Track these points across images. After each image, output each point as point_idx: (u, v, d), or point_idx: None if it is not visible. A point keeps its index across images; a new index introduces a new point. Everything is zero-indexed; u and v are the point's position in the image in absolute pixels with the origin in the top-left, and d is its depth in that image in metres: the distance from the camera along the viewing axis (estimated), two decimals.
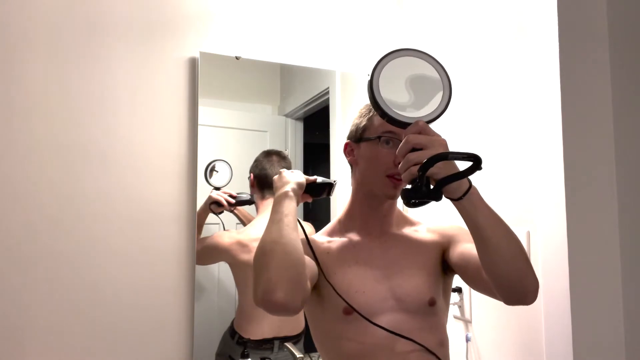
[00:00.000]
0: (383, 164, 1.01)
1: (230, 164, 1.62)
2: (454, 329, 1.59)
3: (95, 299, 1.41)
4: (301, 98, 1.76)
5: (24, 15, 1.39)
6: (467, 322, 1.56)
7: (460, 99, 1.63)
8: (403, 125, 0.81)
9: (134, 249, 1.46)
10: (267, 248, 0.89)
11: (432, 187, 0.77)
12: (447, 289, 1.11)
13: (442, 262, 1.07)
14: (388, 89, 0.81)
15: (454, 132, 1.65)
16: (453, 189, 0.79)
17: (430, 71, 0.84)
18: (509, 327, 1.40)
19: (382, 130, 1.02)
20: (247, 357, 1.54)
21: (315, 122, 1.77)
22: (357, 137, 1.07)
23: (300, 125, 1.76)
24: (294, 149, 1.73)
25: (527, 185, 1.34)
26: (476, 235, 0.83)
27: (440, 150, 0.76)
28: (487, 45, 1.53)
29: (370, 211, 1.08)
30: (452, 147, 1.60)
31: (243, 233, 1.61)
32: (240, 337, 1.56)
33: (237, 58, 1.63)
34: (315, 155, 1.78)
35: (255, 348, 1.55)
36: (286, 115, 1.74)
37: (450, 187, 0.78)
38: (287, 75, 1.74)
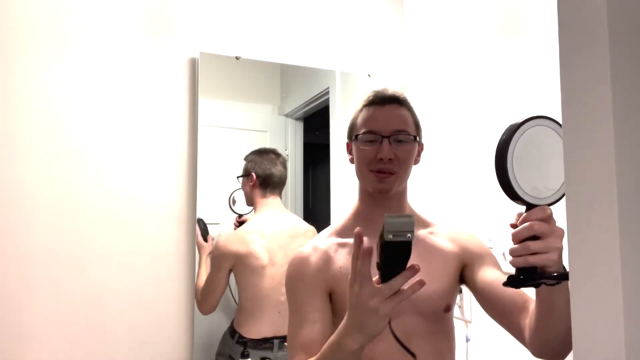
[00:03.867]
0: (365, 160, 1.00)
1: (230, 164, 1.63)
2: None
3: (95, 299, 1.41)
4: (301, 98, 1.76)
5: (24, 15, 1.39)
6: (467, 322, 1.56)
7: (460, 100, 1.63)
8: (527, 205, 0.75)
9: (134, 249, 1.47)
10: None
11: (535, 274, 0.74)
12: (457, 296, 1.11)
13: (459, 273, 1.06)
14: (518, 159, 0.74)
15: (453, 132, 1.65)
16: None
17: (559, 146, 0.75)
18: None
19: (363, 129, 1.00)
20: (247, 356, 1.54)
21: (315, 122, 1.77)
22: (349, 137, 1.07)
23: (300, 125, 1.76)
24: (294, 149, 1.73)
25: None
26: (545, 313, 0.82)
27: (559, 243, 0.73)
28: (487, 45, 1.53)
29: (378, 209, 1.04)
30: (451, 147, 1.60)
31: (239, 231, 1.62)
32: (241, 337, 1.56)
33: (237, 58, 1.63)
34: (315, 155, 1.78)
35: (255, 347, 1.55)
36: (286, 115, 1.74)
37: None
38: (287, 75, 1.74)
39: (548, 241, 0.72)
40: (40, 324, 1.36)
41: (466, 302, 1.55)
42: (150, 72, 1.52)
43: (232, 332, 1.57)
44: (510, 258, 0.75)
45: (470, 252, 1.05)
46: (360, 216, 1.07)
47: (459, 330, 1.58)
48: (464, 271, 1.05)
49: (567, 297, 0.77)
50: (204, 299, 1.54)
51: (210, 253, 1.58)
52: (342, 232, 1.07)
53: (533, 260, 0.72)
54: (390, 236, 0.68)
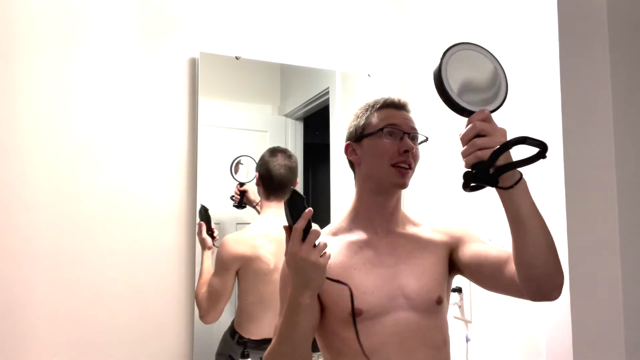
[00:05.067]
0: (388, 154, 1.03)
1: (230, 163, 1.62)
2: (454, 329, 1.59)
3: (95, 298, 1.41)
4: (301, 98, 1.76)
5: (23, 15, 1.39)
6: (467, 322, 1.56)
7: None
8: (468, 113, 0.85)
9: (134, 248, 1.46)
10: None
11: (491, 172, 0.80)
12: (449, 289, 1.13)
13: (448, 262, 1.08)
14: (453, 79, 0.85)
15: (454, 132, 1.65)
16: (507, 177, 0.81)
17: (489, 66, 0.90)
18: (509, 327, 1.40)
19: (384, 123, 1.05)
20: (247, 357, 1.54)
21: (315, 122, 1.77)
22: (358, 136, 1.09)
23: (300, 125, 1.76)
24: (294, 149, 1.73)
25: (527, 186, 1.33)
26: (517, 226, 0.85)
27: (502, 139, 0.80)
28: (487, 46, 1.53)
29: (376, 209, 1.08)
30: (452, 147, 1.61)
31: (246, 233, 1.61)
32: (241, 337, 1.56)
33: (237, 58, 1.63)
34: (315, 155, 1.78)
35: (256, 348, 1.55)
36: (286, 115, 1.74)
37: (505, 174, 0.80)
38: (287, 75, 1.74)
39: (492, 137, 0.80)
40: (40, 323, 1.35)
41: (466, 302, 1.56)
42: (151, 72, 1.52)
43: (232, 332, 1.57)
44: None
45: (455, 236, 1.09)
46: (358, 215, 1.10)
47: (459, 330, 1.58)
48: (452, 256, 1.08)
49: (531, 203, 0.84)
50: (210, 306, 1.51)
51: (216, 252, 1.55)
52: (336, 232, 1.10)
53: (482, 154, 0.79)
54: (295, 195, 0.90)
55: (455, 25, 1.67)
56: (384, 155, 1.03)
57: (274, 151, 1.67)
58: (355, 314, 0.98)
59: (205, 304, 1.52)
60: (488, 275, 1.00)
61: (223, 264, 1.55)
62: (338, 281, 0.98)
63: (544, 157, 0.77)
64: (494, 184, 0.79)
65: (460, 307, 1.57)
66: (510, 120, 1.43)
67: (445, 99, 0.85)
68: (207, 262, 1.53)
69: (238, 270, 1.57)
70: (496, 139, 0.80)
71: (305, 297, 0.91)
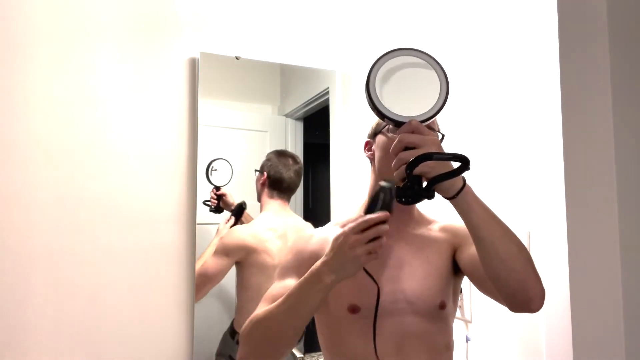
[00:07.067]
0: (389, 148, 1.02)
1: (231, 163, 1.62)
2: (454, 329, 1.59)
3: (95, 299, 1.41)
4: (301, 98, 1.76)
5: (23, 15, 1.39)
6: (467, 322, 1.57)
7: (460, 100, 1.63)
8: (398, 124, 0.82)
9: (134, 248, 1.46)
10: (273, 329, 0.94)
11: (424, 185, 0.79)
12: (456, 291, 1.10)
13: (452, 262, 1.06)
14: (385, 89, 0.81)
15: (454, 132, 1.65)
16: (446, 187, 0.80)
17: (429, 71, 0.84)
18: (509, 327, 1.40)
19: None
20: None
21: (315, 122, 1.77)
22: (373, 133, 1.11)
23: (300, 125, 1.76)
24: (294, 149, 1.73)
25: (528, 186, 1.34)
26: (472, 235, 0.84)
27: (433, 149, 0.77)
28: (488, 46, 1.53)
29: None
30: (452, 148, 1.61)
31: (253, 226, 1.62)
32: None
33: (237, 58, 1.63)
34: (315, 155, 1.78)
35: None
36: (286, 115, 1.74)
37: (442, 185, 0.79)
38: (287, 75, 1.74)
39: (422, 149, 0.77)
40: (39, 323, 1.35)
41: (466, 302, 1.56)
42: (150, 72, 1.52)
43: (232, 332, 1.57)
44: None
45: (460, 235, 1.06)
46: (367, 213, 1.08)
47: (459, 330, 1.58)
48: (456, 256, 1.06)
49: (482, 210, 0.83)
50: (201, 286, 1.53)
51: (223, 237, 1.57)
52: (345, 224, 1.09)
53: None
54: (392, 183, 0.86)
55: (454, 25, 1.68)
56: (387, 149, 1.01)
57: (282, 154, 1.68)
58: (352, 311, 0.97)
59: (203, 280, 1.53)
60: (478, 280, 0.98)
61: (226, 248, 1.56)
62: (371, 276, 0.93)
63: (467, 169, 0.77)
64: (429, 196, 0.79)
65: (460, 307, 1.57)
66: (511, 121, 1.43)
67: (376, 111, 0.82)
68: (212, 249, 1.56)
69: (239, 261, 1.57)
70: (425, 150, 0.77)
71: (328, 278, 0.87)
